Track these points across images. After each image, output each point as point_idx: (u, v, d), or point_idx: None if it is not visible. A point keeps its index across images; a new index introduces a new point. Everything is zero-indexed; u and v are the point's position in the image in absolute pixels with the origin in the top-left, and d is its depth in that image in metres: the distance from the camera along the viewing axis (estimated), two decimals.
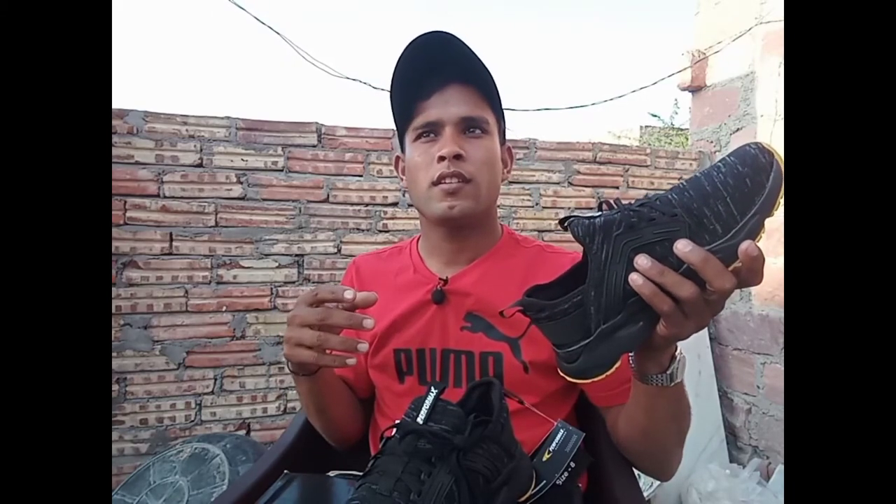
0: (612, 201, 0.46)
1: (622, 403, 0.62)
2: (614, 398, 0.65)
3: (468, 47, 0.65)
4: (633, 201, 0.45)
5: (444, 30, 0.64)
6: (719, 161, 0.44)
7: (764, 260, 0.41)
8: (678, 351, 0.52)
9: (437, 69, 0.65)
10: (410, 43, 0.64)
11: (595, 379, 0.47)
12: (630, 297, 0.44)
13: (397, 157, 0.77)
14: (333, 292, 0.55)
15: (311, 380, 0.64)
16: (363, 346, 0.55)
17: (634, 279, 0.42)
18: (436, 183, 0.66)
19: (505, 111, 0.74)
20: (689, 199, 0.43)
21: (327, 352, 0.55)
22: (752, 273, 0.41)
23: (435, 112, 0.66)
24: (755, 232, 0.42)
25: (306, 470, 0.63)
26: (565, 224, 0.46)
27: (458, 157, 0.65)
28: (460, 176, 0.65)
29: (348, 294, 0.54)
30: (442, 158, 0.65)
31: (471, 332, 0.69)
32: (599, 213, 0.45)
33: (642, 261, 0.42)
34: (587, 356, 0.46)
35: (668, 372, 0.51)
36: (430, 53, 0.64)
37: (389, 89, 0.69)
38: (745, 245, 0.40)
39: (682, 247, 0.41)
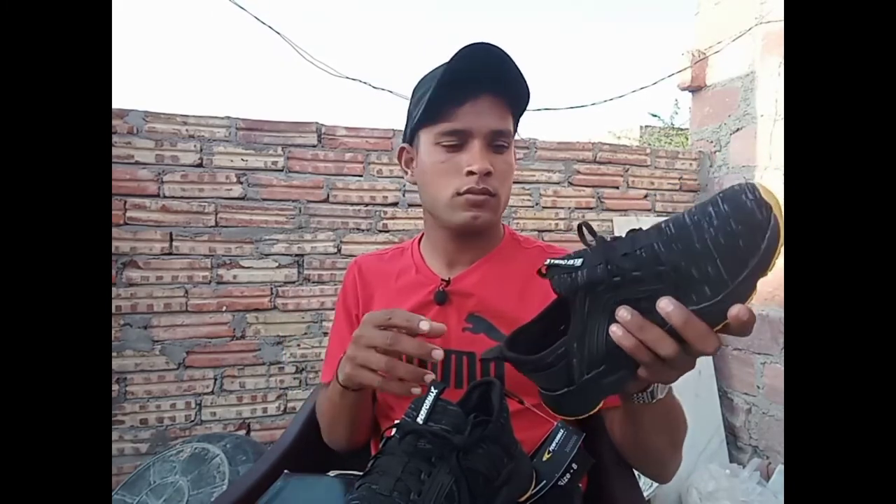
0: (591, 233, 0.44)
1: (619, 406, 0.62)
2: (611, 400, 0.64)
3: (514, 62, 0.63)
4: (617, 238, 0.42)
5: (490, 40, 0.63)
6: (711, 207, 0.39)
7: (755, 320, 0.39)
8: None
9: (475, 78, 0.64)
10: (462, 49, 0.63)
11: (578, 417, 0.48)
12: (613, 349, 0.42)
13: (402, 149, 0.75)
14: (409, 321, 0.53)
15: (358, 395, 0.63)
16: (429, 377, 0.53)
17: (614, 331, 0.41)
18: (461, 193, 0.65)
19: None
20: (678, 255, 0.40)
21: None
22: (741, 332, 0.40)
23: (466, 121, 0.65)
24: (746, 293, 0.39)
25: (306, 470, 0.63)
26: (545, 273, 0.44)
27: (488, 174, 0.65)
28: (487, 192, 0.65)
29: (424, 326, 0.53)
30: (471, 173, 0.64)
31: (472, 333, 0.69)
32: (580, 259, 0.43)
33: (623, 313, 0.41)
34: (570, 401, 0.46)
35: (649, 390, 0.51)
36: (471, 62, 0.63)
37: (420, 82, 0.68)
38: (735, 310, 0.38)
39: (665, 306, 0.39)
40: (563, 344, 0.45)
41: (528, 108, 0.71)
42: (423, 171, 0.70)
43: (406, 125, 0.74)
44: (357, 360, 0.55)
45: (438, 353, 0.52)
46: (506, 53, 0.63)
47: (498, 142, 0.67)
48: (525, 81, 0.66)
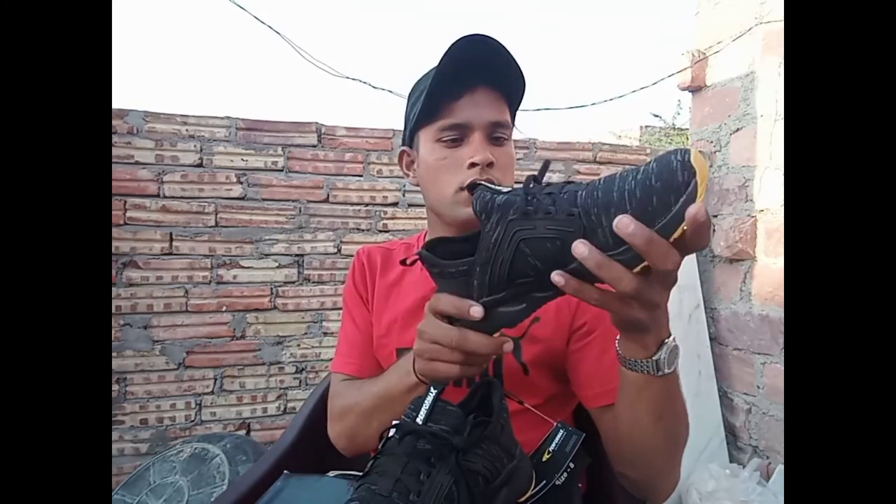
0: (535, 176, 0.44)
1: (611, 404, 0.60)
2: (602, 397, 0.63)
3: (507, 51, 0.64)
4: (552, 183, 0.43)
5: (484, 32, 0.63)
6: (645, 164, 0.40)
7: (710, 224, 0.38)
8: (671, 338, 0.47)
9: (469, 71, 0.64)
10: (454, 43, 0.63)
11: None
12: (516, 279, 0.44)
13: (403, 152, 0.75)
14: (458, 308, 0.48)
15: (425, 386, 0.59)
16: (508, 346, 0.50)
17: (557, 279, 0.41)
18: (465, 188, 0.65)
19: None
20: (593, 202, 0.39)
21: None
22: (695, 243, 0.38)
23: (465, 114, 0.65)
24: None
25: (306, 470, 0.63)
26: (473, 190, 0.46)
27: (490, 164, 0.64)
28: (491, 183, 0.65)
29: (475, 312, 0.47)
30: (473, 165, 0.64)
31: None
32: (509, 190, 0.44)
33: (581, 248, 0.39)
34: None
35: (654, 358, 0.47)
36: (464, 54, 0.63)
37: (416, 84, 0.68)
38: (693, 209, 0.37)
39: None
40: (468, 263, 0.46)
41: (523, 100, 0.71)
42: (426, 170, 0.69)
43: (405, 128, 0.74)
44: (425, 355, 0.53)
45: (509, 346, 0.50)
46: (499, 42, 0.63)
47: (497, 133, 0.66)
48: (519, 68, 0.66)
